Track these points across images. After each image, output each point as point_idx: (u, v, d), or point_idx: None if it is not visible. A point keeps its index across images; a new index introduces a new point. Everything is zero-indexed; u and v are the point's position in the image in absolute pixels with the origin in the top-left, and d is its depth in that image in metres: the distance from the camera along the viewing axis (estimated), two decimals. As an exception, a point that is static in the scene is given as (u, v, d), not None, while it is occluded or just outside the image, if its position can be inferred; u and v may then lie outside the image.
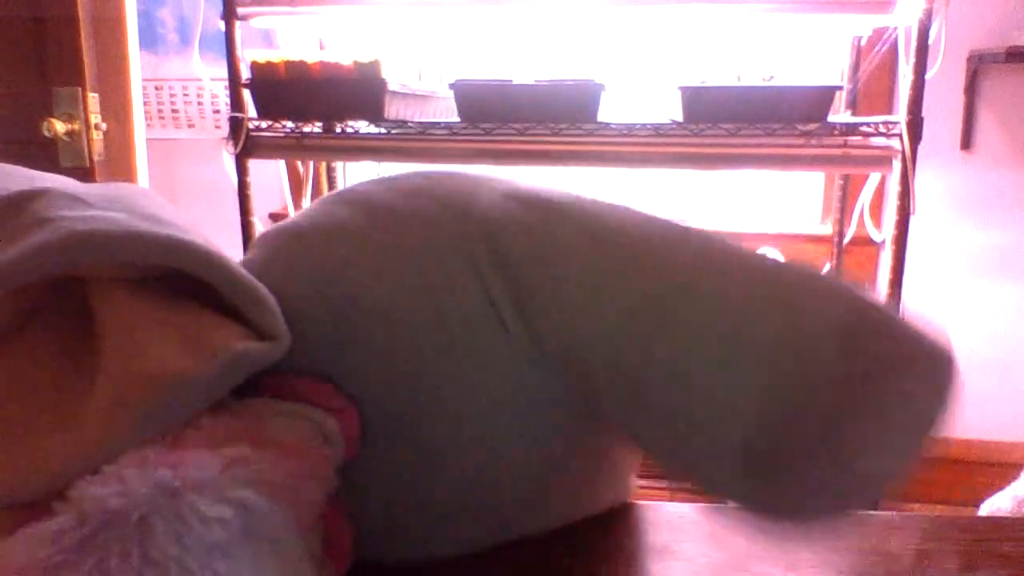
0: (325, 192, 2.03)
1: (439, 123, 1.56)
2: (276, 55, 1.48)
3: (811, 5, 1.45)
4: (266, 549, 0.24)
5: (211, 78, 1.80)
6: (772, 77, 1.46)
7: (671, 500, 0.54)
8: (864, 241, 1.76)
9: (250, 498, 0.25)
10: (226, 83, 1.52)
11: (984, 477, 1.56)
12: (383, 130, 1.53)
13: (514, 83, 1.50)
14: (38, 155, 1.65)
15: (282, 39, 1.79)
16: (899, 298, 1.43)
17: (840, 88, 1.74)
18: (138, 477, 0.23)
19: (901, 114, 1.37)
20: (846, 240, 1.85)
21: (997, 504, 1.24)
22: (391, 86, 1.44)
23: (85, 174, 1.66)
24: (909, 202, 1.38)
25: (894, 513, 0.55)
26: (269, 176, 1.85)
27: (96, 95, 1.65)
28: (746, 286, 0.37)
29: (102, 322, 0.30)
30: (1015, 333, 1.88)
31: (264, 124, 1.52)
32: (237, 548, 0.23)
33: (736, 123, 1.41)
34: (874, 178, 1.69)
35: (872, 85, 1.80)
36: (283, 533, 0.25)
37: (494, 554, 0.48)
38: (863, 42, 1.76)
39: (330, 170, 2.01)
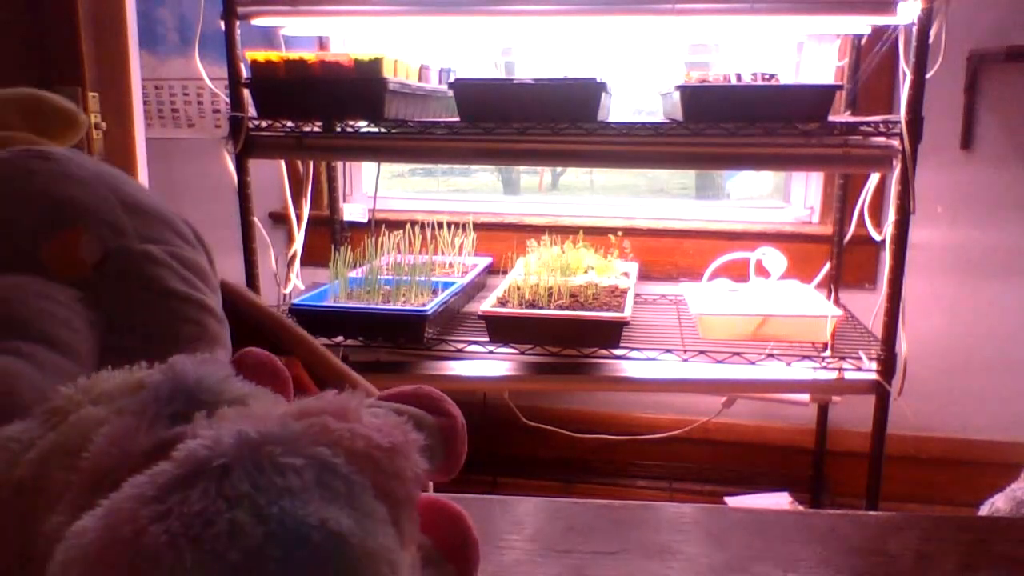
0: (325, 191, 2.03)
1: (439, 122, 1.56)
2: (276, 54, 1.48)
3: (811, 5, 1.45)
4: (341, 501, 0.27)
5: (211, 78, 1.80)
6: (772, 77, 1.46)
7: (671, 500, 0.54)
8: (864, 241, 1.76)
9: (324, 453, 0.28)
10: (226, 83, 1.52)
11: (984, 477, 1.56)
12: (383, 129, 1.53)
13: (514, 83, 1.50)
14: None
15: (283, 39, 1.78)
16: (899, 298, 1.43)
17: (840, 88, 1.74)
18: (227, 432, 0.28)
19: (901, 114, 1.37)
20: (846, 240, 1.85)
21: (996, 504, 1.24)
22: (391, 85, 1.44)
23: (85, 174, 1.66)
24: (909, 202, 1.38)
25: (894, 513, 0.55)
26: (269, 175, 1.85)
27: (96, 95, 1.65)
28: None
29: None
30: (1015, 333, 1.88)
31: (264, 123, 1.52)
32: (309, 495, 0.27)
33: (736, 123, 1.41)
34: (874, 178, 1.69)
35: (872, 85, 1.79)
36: (359, 492, 0.28)
37: (494, 553, 0.49)
38: (863, 42, 1.76)
39: (330, 169, 2.01)
